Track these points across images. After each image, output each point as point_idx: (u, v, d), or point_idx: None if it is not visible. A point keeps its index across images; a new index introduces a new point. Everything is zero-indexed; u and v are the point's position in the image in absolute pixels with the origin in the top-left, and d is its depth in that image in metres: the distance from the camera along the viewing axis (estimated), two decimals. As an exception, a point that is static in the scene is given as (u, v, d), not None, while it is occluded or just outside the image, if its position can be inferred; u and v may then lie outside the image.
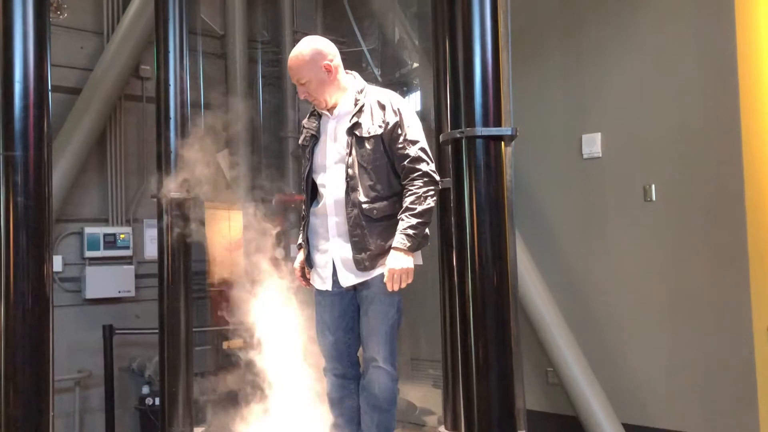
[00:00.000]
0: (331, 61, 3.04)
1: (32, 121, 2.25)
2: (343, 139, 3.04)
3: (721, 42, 4.17)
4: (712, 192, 4.23)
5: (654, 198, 4.50)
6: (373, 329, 3.02)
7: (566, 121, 4.98)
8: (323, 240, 3.10)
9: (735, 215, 4.10)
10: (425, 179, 2.92)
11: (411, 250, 2.89)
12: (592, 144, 4.82)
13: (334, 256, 3.05)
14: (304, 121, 3.25)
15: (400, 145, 2.97)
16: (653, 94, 4.51)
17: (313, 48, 3.04)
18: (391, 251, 2.91)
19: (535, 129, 4.96)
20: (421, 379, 5.94)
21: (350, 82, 3.14)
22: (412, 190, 2.92)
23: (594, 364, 4.78)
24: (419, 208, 2.88)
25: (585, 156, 4.86)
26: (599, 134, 4.79)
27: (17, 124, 2.23)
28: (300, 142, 3.26)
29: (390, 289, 2.92)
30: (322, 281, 3.12)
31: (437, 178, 2.97)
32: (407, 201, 2.92)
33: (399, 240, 2.89)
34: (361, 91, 3.09)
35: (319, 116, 3.17)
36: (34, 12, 2.29)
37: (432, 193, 2.93)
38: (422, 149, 2.96)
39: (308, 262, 3.20)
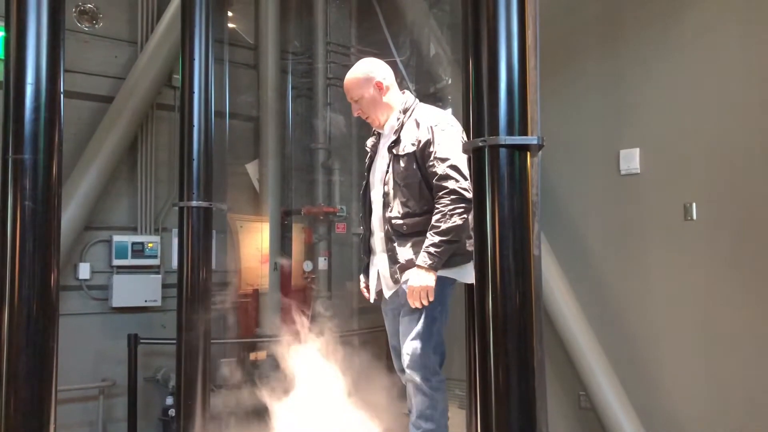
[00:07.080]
0: (383, 80, 3.21)
1: (43, 124, 2.21)
2: (386, 156, 3.18)
3: (765, 58, 3.98)
4: (756, 212, 4.02)
5: (695, 217, 4.30)
6: (404, 340, 3.12)
7: (603, 136, 4.81)
8: (373, 254, 3.29)
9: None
10: (453, 197, 2.96)
11: (432, 267, 2.94)
12: (631, 160, 4.64)
13: (380, 269, 3.22)
14: (368, 141, 3.43)
15: (430, 163, 3.03)
16: (694, 110, 4.33)
17: (366, 68, 3.25)
18: (414, 268, 2.98)
19: (571, 142, 4.80)
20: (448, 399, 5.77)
21: (399, 100, 3.25)
22: (438, 207, 2.98)
23: (628, 388, 4.60)
24: (443, 226, 2.93)
25: (623, 172, 4.68)
26: (638, 150, 4.61)
27: (27, 126, 2.19)
28: (366, 160, 3.44)
29: (412, 306, 2.99)
30: (372, 292, 3.33)
31: (468, 195, 2.93)
32: (434, 219, 2.98)
33: (421, 257, 2.96)
34: (406, 110, 3.20)
35: (379, 136, 3.32)
36: (49, 14, 2.25)
37: (460, 210, 2.94)
38: (452, 166, 2.99)
39: (366, 273, 3.36)
